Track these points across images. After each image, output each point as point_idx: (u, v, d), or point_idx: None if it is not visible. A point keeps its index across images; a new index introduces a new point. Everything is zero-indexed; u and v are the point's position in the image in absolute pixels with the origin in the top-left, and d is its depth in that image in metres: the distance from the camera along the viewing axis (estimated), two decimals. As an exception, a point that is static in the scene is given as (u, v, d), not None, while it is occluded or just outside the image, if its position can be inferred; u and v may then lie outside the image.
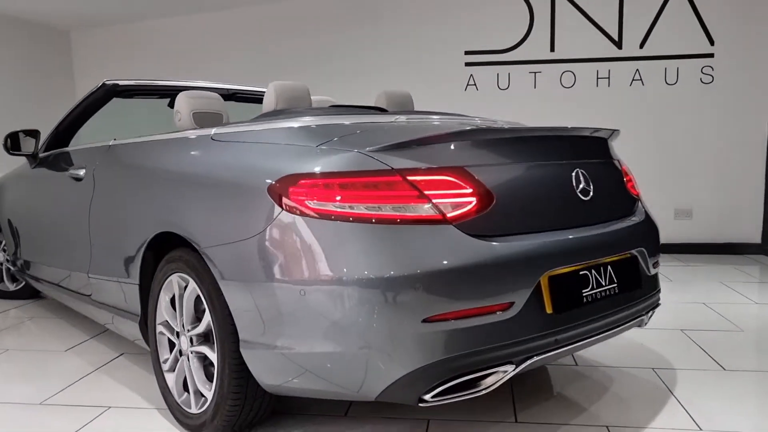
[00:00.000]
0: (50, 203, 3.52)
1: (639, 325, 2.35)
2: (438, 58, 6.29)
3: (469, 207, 1.82)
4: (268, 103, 2.72)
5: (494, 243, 1.81)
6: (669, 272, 5.12)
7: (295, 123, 2.18)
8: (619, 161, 2.50)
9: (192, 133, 2.50)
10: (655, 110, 5.98)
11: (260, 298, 1.88)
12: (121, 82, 3.34)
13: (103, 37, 7.25)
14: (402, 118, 2.35)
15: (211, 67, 6.70)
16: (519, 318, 1.81)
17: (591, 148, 2.33)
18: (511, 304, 1.80)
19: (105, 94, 3.37)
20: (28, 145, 3.80)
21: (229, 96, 4.01)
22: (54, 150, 3.74)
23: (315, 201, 1.78)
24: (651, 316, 2.41)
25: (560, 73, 6.12)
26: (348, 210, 1.75)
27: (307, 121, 2.21)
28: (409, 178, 1.79)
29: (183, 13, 6.76)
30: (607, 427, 2.27)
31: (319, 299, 1.77)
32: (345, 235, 1.74)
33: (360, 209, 1.74)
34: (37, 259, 3.77)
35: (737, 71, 5.83)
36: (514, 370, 1.84)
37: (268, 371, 1.96)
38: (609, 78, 6.05)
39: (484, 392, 1.84)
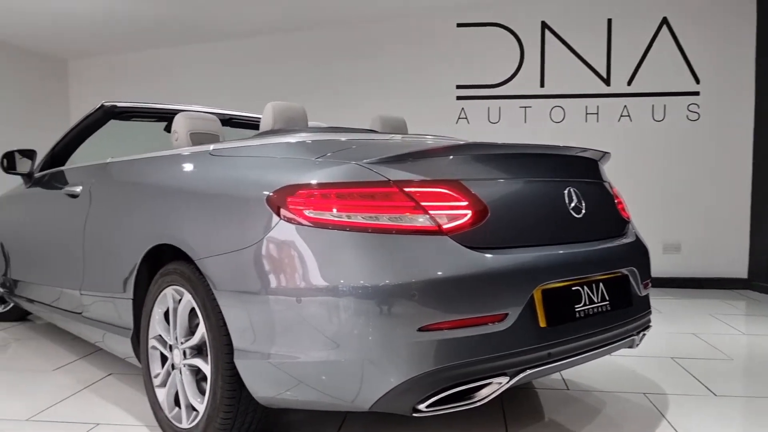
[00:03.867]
0: (44, 221, 3.52)
1: (630, 346, 2.37)
2: (430, 91, 6.42)
3: (464, 219, 1.85)
4: (265, 123, 2.77)
5: (489, 255, 1.84)
6: (659, 304, 5.15)
7: (292, 138, 2.23)
8: (609, 183, 2.56)
9: (190, 149, 2.54)
10: (642, 146, 6.10)
11: (256, 307, 1.89)
12: (119, 104, 3.39)
13: (99, 66, 7.35)
14: (397, 136, 2.40)
15: (207, 96, 6.78)
16: (513, 330, 1.83)
17: (582, 169, 2.38)
18: (505, 315, 1.82)
19: (103, 115, 3.41)
20: (24, 165, 3.83)
21: (226, 121, 4.07)
22: (50, 170, 3.76)
23: (312, 211, 1.81)
24: (642, 337, 2.42)
25: (550, 108, 6.25)
26: (345, 219, 1.77)
27: (304, 137, 2.25)
28: (406, 189, 1.82)
29: (179, 44, 6.88)
30: (599, 447, 2.27)
31: (315, 308, 1.77)
32: (341, 245, 1.76)
33: (357, 219, 1.77)
34: (28, 278, 3.74)
35: (722, 108, 5.98)
36: (508, 382, 1.85)
37: (262, 382, 1.95)
38: (598, 113, 6.18)
39: (479, 404, 1.84)
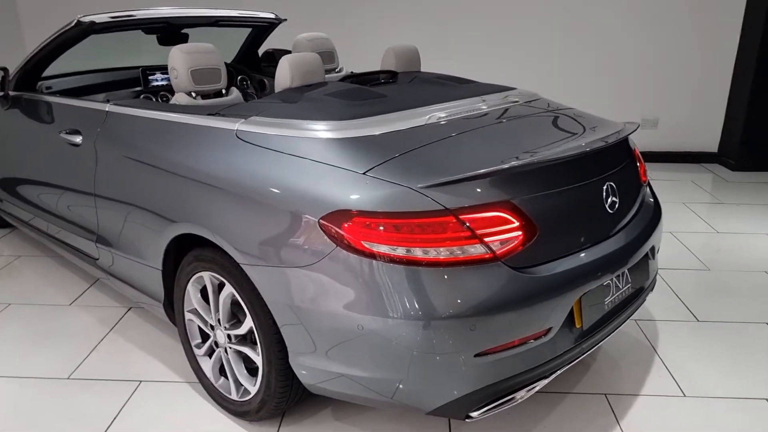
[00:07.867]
0: (37, 155, 3.35)
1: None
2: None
3: (516, 242, 1.89)
4: (283, 80, 2.62)
5: (537, 275, 1.90)
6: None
7: (322, 132, 2.08)
8: (634, 150, 2.58)
9: (209, 122, 2.37)
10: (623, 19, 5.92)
11: (313, 322, 1.93)
12: (97, 20, 3.09)
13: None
14: (434, 115, 2.29)
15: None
16: (555, 338, 1.98)
17: (618, 154, 2.38)
18: (550, 329, 1.95)
19: (80, 33, 3.13)
20: (-4, 84, 3.54)
21: (214, 23, 3.81)
22: (25, 92, 3.51)
23: (369, 242, 1.79)
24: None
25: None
26: (404, 254, 1.78)
27: (333, 131, 2.08)
28: (462, 217, 1.82)
29: None
30: (605, 395, 2.55)
31: (375, 334, 1.83)
32: (400, 278, 1.78)
33: (416, 253, 1.78)
34: (18, 200, 3.65)
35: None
36: (546, 381, 2.04)
37: (314, 379, 2.07)
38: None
39: (518, 402, 2.04)
